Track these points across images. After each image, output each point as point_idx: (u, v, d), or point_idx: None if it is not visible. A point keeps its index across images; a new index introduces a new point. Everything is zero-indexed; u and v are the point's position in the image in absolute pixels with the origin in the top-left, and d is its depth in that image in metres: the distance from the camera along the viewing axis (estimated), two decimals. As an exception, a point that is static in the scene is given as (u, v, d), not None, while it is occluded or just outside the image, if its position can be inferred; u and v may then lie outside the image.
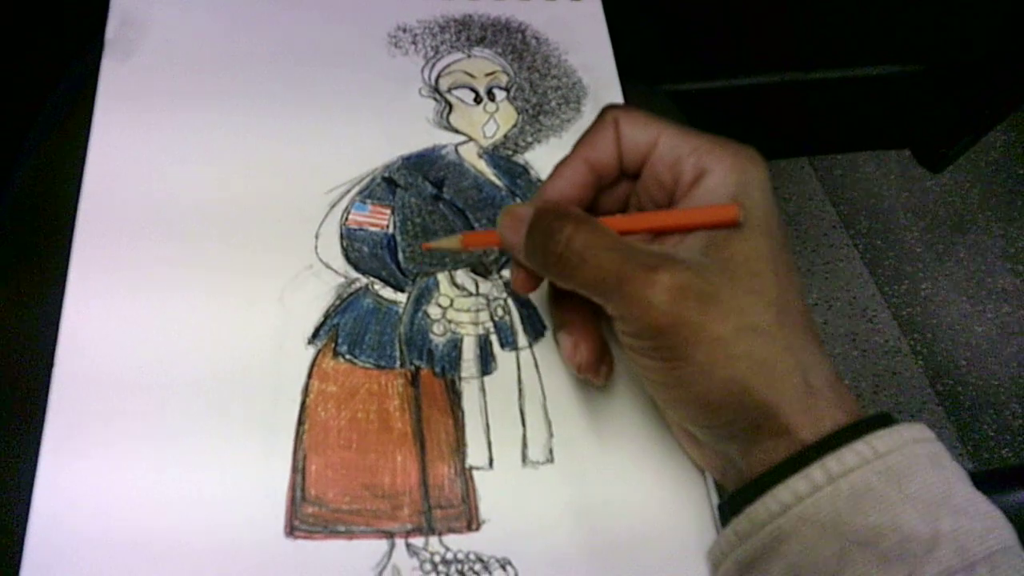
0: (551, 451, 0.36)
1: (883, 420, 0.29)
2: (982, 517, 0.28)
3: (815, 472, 0.28)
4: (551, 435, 0.37)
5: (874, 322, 1.17)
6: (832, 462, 0.28)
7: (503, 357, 0.38)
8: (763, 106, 0.90)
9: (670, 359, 0.30)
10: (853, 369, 1.13)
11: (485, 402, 0.37)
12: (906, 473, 0.27)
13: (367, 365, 0.37)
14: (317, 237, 0.40)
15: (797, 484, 0.28)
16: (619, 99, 0.47)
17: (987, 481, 0.57)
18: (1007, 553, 0.27)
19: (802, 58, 0.88)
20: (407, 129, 0.43)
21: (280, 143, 0.42)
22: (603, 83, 0.47)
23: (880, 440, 0.28)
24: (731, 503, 0.31)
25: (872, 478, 0.27)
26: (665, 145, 0.33)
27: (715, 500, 0.36)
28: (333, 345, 0.37)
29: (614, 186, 0.35)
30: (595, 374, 0.35)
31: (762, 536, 0.29)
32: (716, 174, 0.32)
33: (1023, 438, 1.09)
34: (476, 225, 0.41)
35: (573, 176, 0.34)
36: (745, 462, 0.31)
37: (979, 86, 0.92)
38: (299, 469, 0.34)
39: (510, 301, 0.40)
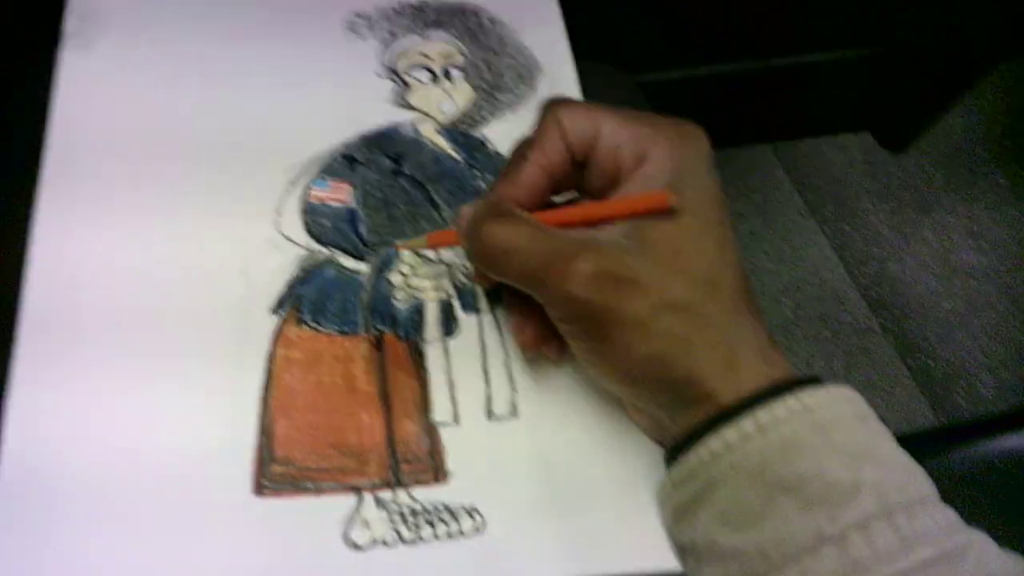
0: (515, 405, 0.37)
1: (813, 380, 0.31)
2: (903, 470, 0.29)
3: (746, 423, 0.29)
4: (515, 390, 0.38)
5: (844, 303, 1.19)
6: (763, 414, 0.29)
7: (466, 320, 0.39)
8: (723, 94, 0.92)
9: (593, 340, 0.32)
10: (826, 350, 1.15)
11: (449, 362, 0.38)
12: (832, 426, 0.29)
13: (331, 331, 0.38)
14: (278, 212, 0.41)
15: (728, 434, 0.29)
16: (572, 75, 0.48)
17: (945, 435, 0.59)
18: (926, 503, 0.28)
19: (759, 46, 0.90)
20: (365, 109, 0.44)
21: (239, 123, 0.43)
22: (557, 60, 0.49)
23: (810, 396, 0.29)
24: (670, 455, 0.32)
25: (800, 430, 0.29)
26: (606, 135, 0.34)
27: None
28: (297, 314, 0.38)
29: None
30: (548, 350, 0.37)
31: (695, 484, 0.30)
32: (653, 160, 0.33)
33: (995, 408, 1.10)
34: (436, 197, 0.42)
35: (528, 181, 0.35)
36: (675, 425, 0.32)
37: (934, 66, 0.94)
38: (266, 431, 0.35)
39: (471, 266, 0.41)
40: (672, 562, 0.33)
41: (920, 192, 1.28)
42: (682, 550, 0.33)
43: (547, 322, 0.36)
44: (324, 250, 0.40)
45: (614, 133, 0.33)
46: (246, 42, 0.46)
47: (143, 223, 0.39)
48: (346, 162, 0.43)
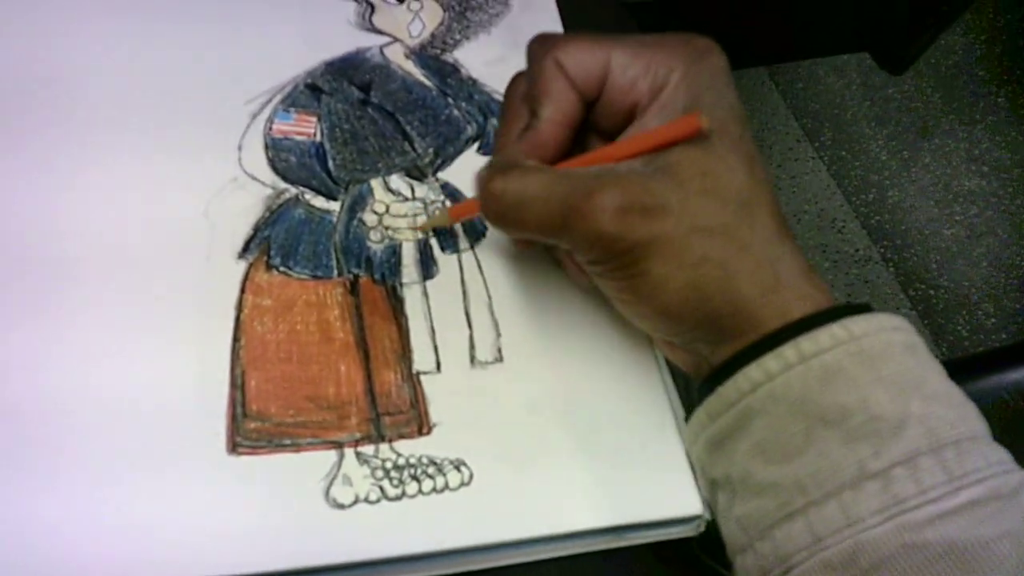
0: (499, 350, 0.35)
1: (861, 308, 0.29)
2: (954, 405, 0.27)
3: (788, 351, 0.27)
4: (498, 334, 0.35)
5: (843, 232, 1.16)
6: (805, 342, 0.27)
7: (445, 260, 0.37)
8: (714, 12, 0.88)
9: (627, 277, 0.30)
10: (825, 280, 1.12)
11: (429, 306, 0.36)
12: (880, 357, 0.27)
13: (303, 276, 0.35)
14: (240, 149, 0.38)
15: (769, 363, 0.28)
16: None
17: (953, 369, 0.57)
18: (976, 441, 0.26)
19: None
20: (328, 33, 0.41)
21: (195, 52, 0.40)
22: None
23: (856, 324, 0.27)
24: (706, 386, 0.31)
25: (844, 359, 0.27)
26: (618, 70, 0.31)
27: (670, 386, 0.35)
28: (265, 258, 0.36)
29: None
30: None
31: (732, 414, 0.29)
32: (669, 88, 0.31)
33: (997, 337, 1.09)
34: (408, 129, 0.39)
35: (550, 141, 0.32)
36: (715, 357, 0.30)
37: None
38: (238, 385, 0.33)
39: (448, 204, 0.38)
40: (669, 511, 0.32)
41: (919, 115, 1.25)
42: (714, 485, 0.31)
43: None
44: (291, 188, 0.37)
45: (626, 67, 0.31)
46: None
47: (98, 166, 0.36)
48: (310, 92, 0.40)
